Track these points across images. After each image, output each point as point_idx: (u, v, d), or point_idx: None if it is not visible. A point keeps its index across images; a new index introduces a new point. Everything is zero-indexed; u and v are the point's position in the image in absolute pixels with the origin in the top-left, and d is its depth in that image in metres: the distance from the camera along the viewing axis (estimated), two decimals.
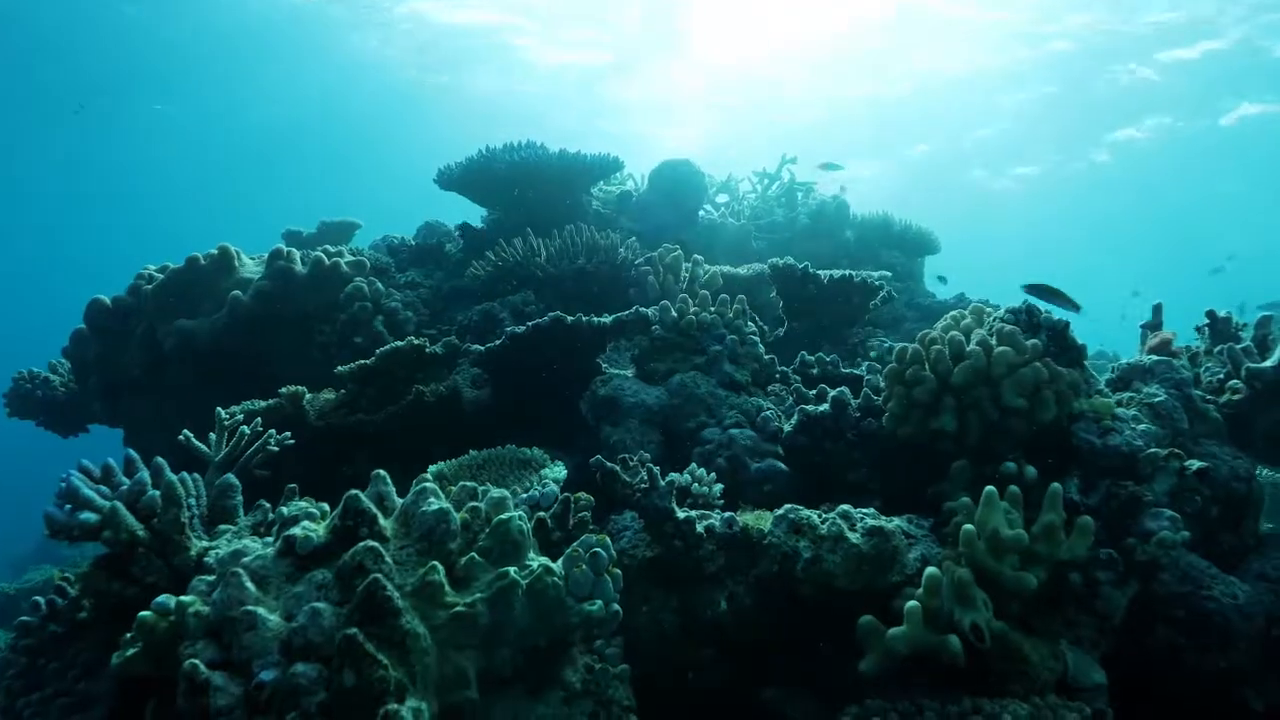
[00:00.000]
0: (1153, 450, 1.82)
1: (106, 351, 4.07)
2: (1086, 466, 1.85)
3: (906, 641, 1.48)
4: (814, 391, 2.36)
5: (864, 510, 1.76)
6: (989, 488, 1.59)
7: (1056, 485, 1.61)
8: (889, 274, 4.44)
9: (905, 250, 6.18)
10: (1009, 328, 1.90)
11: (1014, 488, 1.67)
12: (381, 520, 1.45)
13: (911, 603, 1.50)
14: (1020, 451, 1.86)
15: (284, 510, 1.53)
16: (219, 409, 2.54)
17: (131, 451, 1.91)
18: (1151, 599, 1.83)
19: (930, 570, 1.52)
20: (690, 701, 1.79)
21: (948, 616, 1.53)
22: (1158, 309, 2.73)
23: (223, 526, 1.75)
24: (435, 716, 1.26)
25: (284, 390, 2.88)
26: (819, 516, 1.70)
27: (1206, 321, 2.69)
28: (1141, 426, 1.88)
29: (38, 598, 1.74)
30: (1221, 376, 2.38)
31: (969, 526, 1.55)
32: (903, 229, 6.22)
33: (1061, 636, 1.65)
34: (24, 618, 1.72)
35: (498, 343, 2.62)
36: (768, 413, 2.32)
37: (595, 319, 2.53)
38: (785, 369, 2.69)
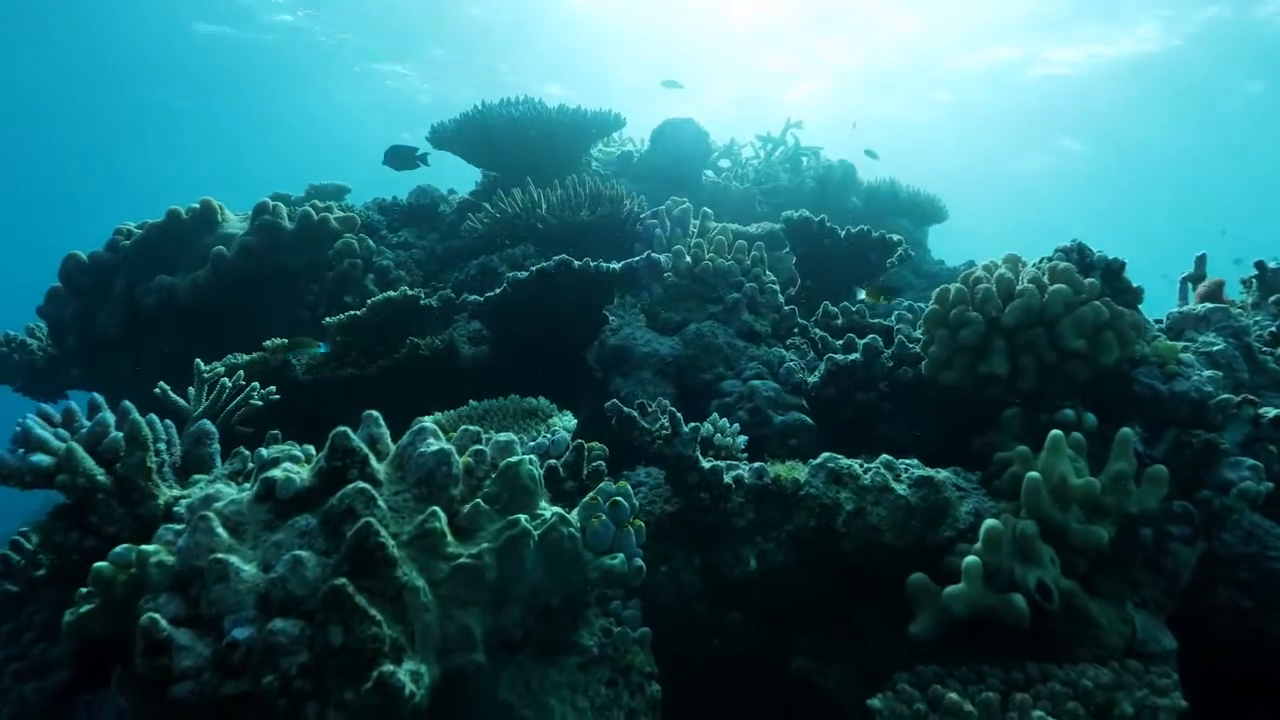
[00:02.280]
0: (1224, 397, 1.66)
1: (84, 310, 3.86)
2: (1148, 415, 1.69)
3: (966, 600, 1.32)
4: (841, 342, 2.19)
5: (908, 460, 1.59)
6: (1055, 431, 1.43)
7: (1128, 430, 1.44)
8: (903, 237, 4.27)
9: (913, 218, 6.01)
10: (1064, 265, 1.73)
11: (1077, 435, 1.51)
12: (374, 462, 1.27)
13: (971, 558, 1.34)
14: (1077, 398, 1.70)
15: (263, 452, 1.36)
16: (198, 361, 2.35)
17: (97, 395, 1.73)
18: (1212, 559, 1.68)
19: (990, 523, 1.36)
20: (714, 669, 1.64)
21: (1008, 574, 1.37)
22: (1200, 260, 2.56)
23: (197, 476, 1.58)
24: (436, 682, 1.09)
25: (268, 343, 2.69)
26: (861, 466, 1.54)
27: (1255, 273, 2.53)
28: (1208, 372, 1.72)
29: None
30: (1274, 330, 2.22)
31: (1034, 474, 1.39)
32: (911, 195, 6.04)
33: (1126, 598, 1.49)
34: None
35: (498, 291, 2.43)
36: (790, 363, 2.15)
37: (604, 264, 2.35)
38: (805, 322, 2.51)
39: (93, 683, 1.44)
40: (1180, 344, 1.94)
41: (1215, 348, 1.90)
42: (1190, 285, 2.52)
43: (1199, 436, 1.59)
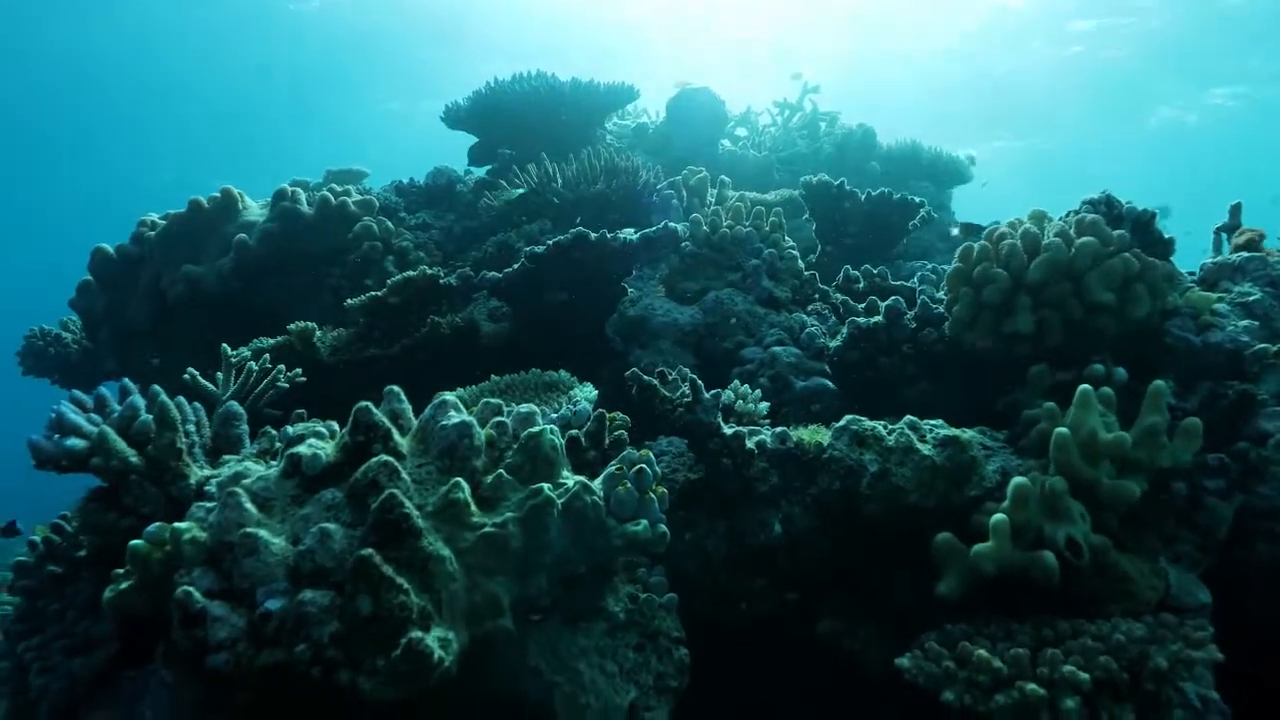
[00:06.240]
0: (1261, 346, 1.61)
1: (114, 303, 3.93)
2: (1182, 368, 1.65)
3: (994, 558, 1.31)
4: (863, 305, 2.16)
5: (933, 421, 1.58)
6: (1084, 386, 1.40)
7: (1160, 382, 1.41)
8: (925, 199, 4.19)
9: (935, 180, 5.89)
10: (1091, 217, 1.69)
11: (1107, 389, 1.48)
12: (396, 436, 1.28)
13: (999, 515, 1.32)
14: (1106, 353, 1.66)
15: (289, 430, 1.38)
16: (224, 345, 2.39)
17: (127, 380, 1.76)
18: (1250, 513, 1.65)
19: (1018, 480, 1.34)
20: (740, 634, 1.64)
21: (1036, 532, 1.35)
22: (1235, 209, 2.48)
23: (227, 456, 1.61)
24: (465, 648, 1.11)
25: (292, 327, 2.72)
26: (885, 427, 1.53)
27: None
28: (1244, 323, 1.67)
29: (33, 537, 1.61)
30: None
31: (1062, 430, 1.36)
32: (932, 158, 5.91)
33: (1159, 553, 1.47)
34: (20, 558, 1.59)
35: (516, 266, 2.43)
36: (812, 329, 2.13)
37: (621, 235, 2.33)
38: (826, 288, 2.48)
39: (136, 657, 1.49)
40: (1215, 295, 1.88)
41: (1252, 298, 1.84)
42: (1225, 236, 2.44)
43: (1234, 387, 1.55)
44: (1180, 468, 1.44)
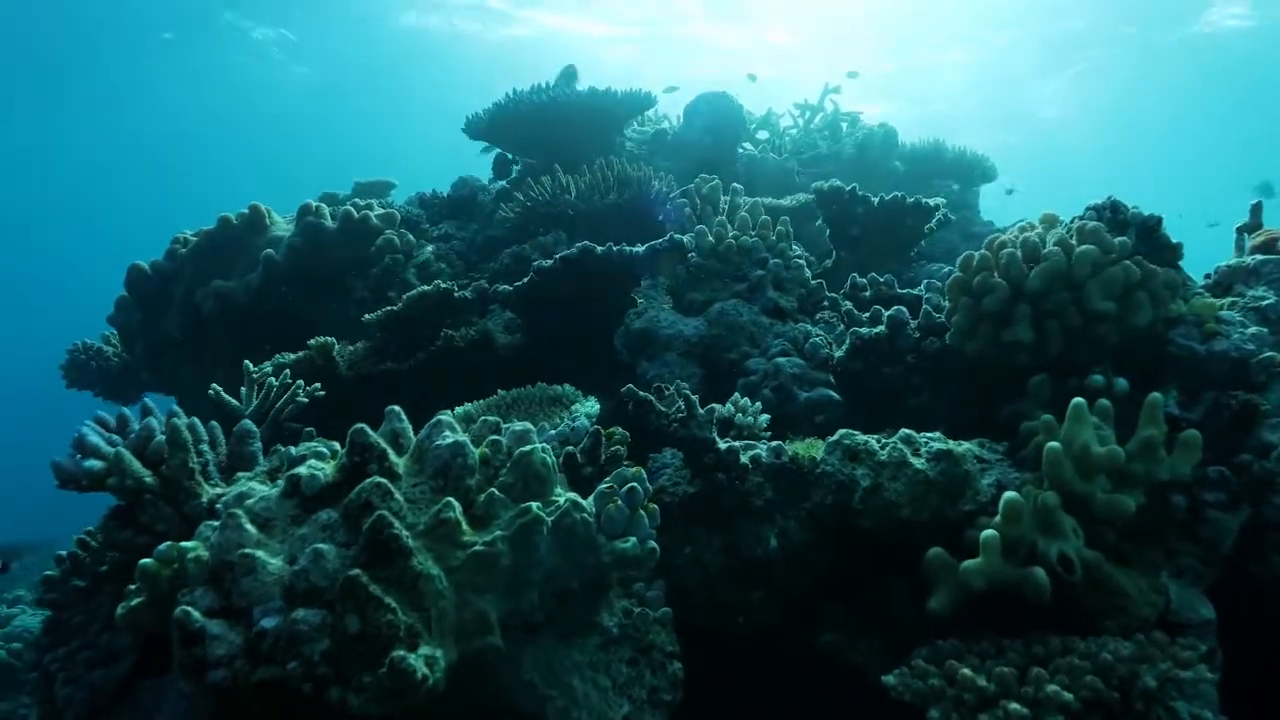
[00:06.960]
0: (1268, 355, 1.57)
1: (149, 318, 4.07)
2: (1186, 377, 1.62)
3: (983, 575, 1.31)
4: (867, 315, 2.16)
5: (929, 435, 1.57)
6: (1077, 399, 1.39)
7: (1156, 395, 1.39)
8: (943, 200, 4.15)
9: (959, 178, 5.81)
10: (1092, 224, 1.67)
11: (1104, 401, 1.46)
12: (393, 456, 1.33)
13: (989, 531, 1.32)
14: (1108, 363, 1.64)
15: (292, 450, 1.43)
16: (246, 362, 2.47)
17: (148, 400, 1.83)
18: (1261, 525, 1.61)
19: (1010, 495, 1.34)
20: (739, 648, 1.66)
21: (1029, 547, 1.35)
22: (1256, 208, 2.42)
23: (240, 474, 1.67)
24: (454, 664, 1.14)
25: (313, 341, 2.80)
26: (878, 441, 1.53)
27: None
28: (1251, 330, 1.63)
29: (60, 551, 1.69)
30: None
31: (1054, 444, 1.35)
32: (956, 156, 5.84)
33: (1161, 567, 1.45)
34: (47, 572, 1.67)
35: (525, 280, 2.47)
36: (817, 339, 2.13)
37: (627, 248, 2.36)
38: (834, 295, 2.48)
39: (155, 669, 1.56)
40: (1225, 300, 1.84)
41: (1265, 302, 1.80)
42: (1246, 235, 2.39)
43: (1238, 397, 1.52)
44: (1180, 480, 1.42)
